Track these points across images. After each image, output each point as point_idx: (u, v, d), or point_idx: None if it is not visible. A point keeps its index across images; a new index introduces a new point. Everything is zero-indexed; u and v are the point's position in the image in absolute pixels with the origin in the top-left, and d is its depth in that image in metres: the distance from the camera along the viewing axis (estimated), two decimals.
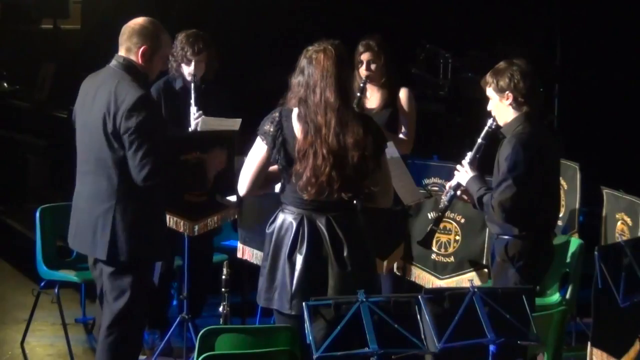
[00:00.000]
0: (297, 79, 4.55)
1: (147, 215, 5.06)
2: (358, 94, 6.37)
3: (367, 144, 4.50)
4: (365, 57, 6.47)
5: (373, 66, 6.47)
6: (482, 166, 5.35)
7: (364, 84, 6.45)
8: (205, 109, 6.29)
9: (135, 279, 5.07)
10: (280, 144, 4.55)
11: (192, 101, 6.25)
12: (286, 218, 4.61)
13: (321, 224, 4.56)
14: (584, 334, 6.19)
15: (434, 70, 9.65)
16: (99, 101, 5.00)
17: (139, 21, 5.09)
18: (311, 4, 9.49)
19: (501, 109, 5.23)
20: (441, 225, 5.66)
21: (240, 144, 5.60)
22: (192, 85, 6.29)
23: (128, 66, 5.02)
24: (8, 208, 9.48)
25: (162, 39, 5.10)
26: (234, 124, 6.21)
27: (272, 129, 4.56)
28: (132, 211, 4.99)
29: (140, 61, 5.03)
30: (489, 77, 5.24)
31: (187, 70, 6.37)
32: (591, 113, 9.44)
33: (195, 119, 6.23)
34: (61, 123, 8.98)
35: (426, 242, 5.54)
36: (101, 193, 5.01)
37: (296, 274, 4.55)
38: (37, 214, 6.37)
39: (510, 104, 5.19)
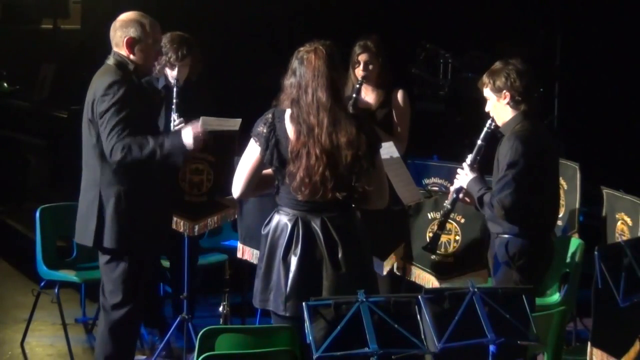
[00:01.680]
0: (289, 80, 4.55)
1: (133, 203, 5.16)
2: (354, 95, 6.37)
3: (360, 143, 4.50)
4: (362, 57, 6.45)
5: (370, 67, 6.45)
6: (483, 167, 5.35)
7: (360, 84, 6.43)
8: (188, 109, 6.21)
9: (128, 272, 5.18)
10: (273, 145, 4.54)
11: (174, 107, 6.16)
12: (281, 219, 4.61)
13: (316, 225, 4.56)
14: (584, 334, 6.19)
15: (434, 70, 9.65)
16: (87, 96, 5.19)
17: (121, 16, 5.24)
18: (310, 4, 9.49)
19: (499, 109, 5.25)
20: None
21: (240, 145, 5.60)
22: (175, 90, 6.20)
23: (119, 60, 5.18)
24: (8, 208, 9.48)
25: (147, 28, 5.19)
26: (235, 124, 6.18)
27: (265, 131, 4.56)
28: (116, 199, 5.12)
29: (128, 53, 5.17)
30: (485, 78, 5.27)
31: (170, 73, 6.32)
32: (591, 113, 9.44)
33: (176, 125, 6.12)
34: (61, 123, 9.00)
35: (432, 247, 5.53)
36: (89, 183, 5.19)
37: (290, 275, 4.55)
38: (37, 214, 6.37)
39: (508, 103, 5.21)
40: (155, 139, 5.09)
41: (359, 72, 6.43)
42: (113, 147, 5.00)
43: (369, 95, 6.54)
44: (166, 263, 6.64)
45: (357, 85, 6.39)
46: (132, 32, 5.15)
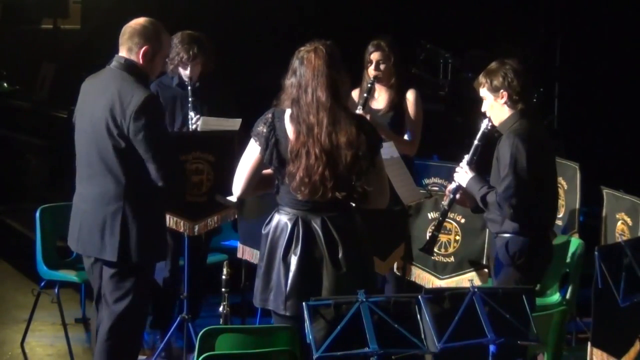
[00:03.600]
0: (289, 80, 4.56)
1: (155, 215, 5.07)
2: (365, 95, 6.35)
3: (360, 143, 4.49)
4: (375, 56, 6.43)
5: (382, 66, 6.42)
6: (480, 168, 5.36)
7: (372, 84, 6.40)
8: (206, 105, 6.27)
9: (138, 281, 5.06)
10: (273, 145, 4.54)
11: (190, 105, 6.21)
12: (281, 219, 4.61)
13: (316, 225, 4.56)
14: (584, 334, 6.20)
15: (434, 70, 9.65)
16: (101, 103, 4.95)
17: (140, 21, 5.06)
18: (311, 4, 9.49)
19: (496, 108, 5.26)
20: None
21: (240, 145, 5.60)
22: (190, 89, 6.24)
23: (129, 67, 4.99)
24: (8, 208, 9.47)
25: (163, 40, 5.09)
26: (234, 124, 6.20)
27: (264, 130, 4.56)
28: (142, 212, 4.97)
29: (141, 61, 5.00)
30: (482, 78, 5.28)
31: (184, 72, 6.34)
32: (591, 113, 9.44)
33: (194, 123, 6.20)
34: (61, 123, 8.99)
35: (428, 249, 5.53)
36: (108, 195, 4.97)
37: (290, 274, 4.54)
38: (37, 214, 6.36)
39: (505, 103, 5.23)
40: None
41: (371, 71, 6.41)
42: (169, 172, 4.89)
43: (381, 95, 6.51)
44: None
45: (369, 85, 6.38)
46: (152, 43, 4.99)
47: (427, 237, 5.65)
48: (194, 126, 6.21)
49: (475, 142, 5.35)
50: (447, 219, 5.68)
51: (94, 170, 5.01)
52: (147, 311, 5.31)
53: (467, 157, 5.33)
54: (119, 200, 4.95)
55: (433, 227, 5.55)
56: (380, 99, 6.51)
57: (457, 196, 5.36)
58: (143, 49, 4.99)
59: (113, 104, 4.90)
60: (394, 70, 6.45)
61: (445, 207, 5.42)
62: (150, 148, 4.87)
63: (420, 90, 6.63)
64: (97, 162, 4.98)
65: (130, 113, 4.85)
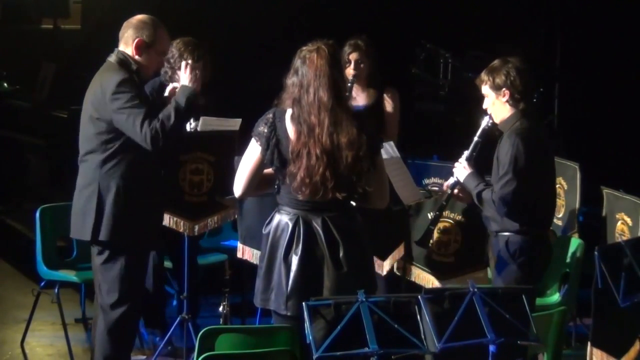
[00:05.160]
0: (291, 80, 4.56)
1: (131, 199, 5.17)
2: (347, 94, 6.36)
3: (361, 143, 4.50)
4: (353, 56, 6.46)
5: (361, 65, 6.46)
6: (480, 167, 5.36)
7: (352, 83, 6.43)
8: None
9: (125, 270, 5.18)
10: (274, 145, 4.55)
11: None
12: (282, 219, 4.61)
13: (317, 225, 4.56)
14: (584, 334, 6.19)
15: (434, 70, 9.65)
16: (89, 93, 5.19)
17: (138, 16, 5.23)
18: (311, 4, 9.49)
19: (498, 107, 5.28)
20: (441, 225, 5.66)
21: (240, 145, 5.60)
22: None
23: (122, 59, 5.17)
24: (8, 208, 9.48)
25: (159, 34, 5.21)
26: (234, 124, 6.19)
27: (265, 130, 4.57)
28: (115, 193, 5.13)
29: (135, 54, 5.16)
30: (484, 75, 5.29)
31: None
32: (591, 113, 9.44)
33: (190, 126, 6.14)
34: (61, 123, 9.00)
35: (423, 242, 5.54)
36: (87, 178, 5.19)
37: (291, 274, 4.55)
38: (37, 214, 6.37)
39: (507, 101, 5.24)
40: (166, 108, 5.14)
41: (350, 71, 6.44)
42: (147, 135, 4.98)
43: (359, 95, 6.54)
44: (168, 264, 6.64)
45: (349, 84, 6.39)
46: (146, 36, 5.15)
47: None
48: (191, 127, 6.17)
49: (475, 138, 5.37)
50: (447, 219, 5.69)
51: (82, 157, 5.24)
52: (139, 301, 5.38)
53: (466, 153, 5.35)
54: (94, 182, 5.15)
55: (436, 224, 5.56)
56: (359, 98, 6.53)
57: (455, 191, 5.38)
58: (136, 40, 5.15)
59: (95, 92, 5.11)
60: (372, 68, 6.47)
61: (443, 202, 5.44)
62: (129, 120, 5.00)
63: (419, 90, 6.65)
64: (84, 148, 5.22)
65: (108, 97, 5.04)
